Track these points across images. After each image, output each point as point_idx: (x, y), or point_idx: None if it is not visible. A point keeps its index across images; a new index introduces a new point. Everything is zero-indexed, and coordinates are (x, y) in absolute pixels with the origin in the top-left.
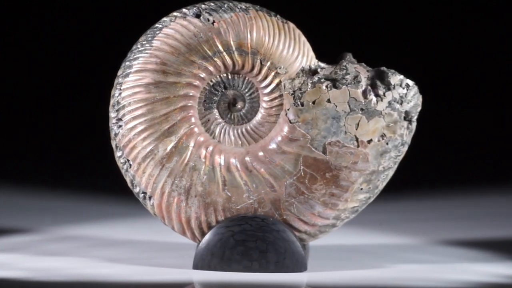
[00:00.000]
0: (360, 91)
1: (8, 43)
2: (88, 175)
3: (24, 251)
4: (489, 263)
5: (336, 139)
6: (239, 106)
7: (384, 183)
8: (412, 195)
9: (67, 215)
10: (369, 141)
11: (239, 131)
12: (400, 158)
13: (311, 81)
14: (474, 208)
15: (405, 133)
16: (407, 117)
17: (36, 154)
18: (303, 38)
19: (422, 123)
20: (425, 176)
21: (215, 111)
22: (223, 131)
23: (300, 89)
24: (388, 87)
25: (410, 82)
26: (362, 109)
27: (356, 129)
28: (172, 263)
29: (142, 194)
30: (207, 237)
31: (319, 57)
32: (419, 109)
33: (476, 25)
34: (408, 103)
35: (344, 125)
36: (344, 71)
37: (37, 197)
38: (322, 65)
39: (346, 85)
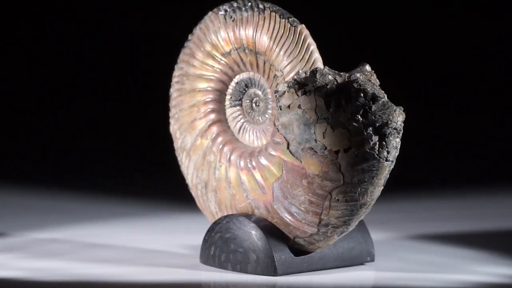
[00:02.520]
0: (323, 99)
1: (8, 42)
2: (88, 175)
3: (24, 251)
4: (488, 263)
5: (309, 146)
6: (260, 106)
7: (368, 198)
8: (412, 195)
9: (67, 215)
10: (337, 152)
11: (256, 131)
12: (379, 174)
13: (287, 85)
14: (474, 208)
15: (377, 148)
16: (378, 131)
17: (36, 154)
18: (308, 42)
19: (422, 123)
20: (425, 176)
21: (239, 108)
22: (243, 129)
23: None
24: (350, 98)
25: (381, 96)
26: (326, 118)
27: (324, 138)
28: (172, 263)
29: (188, 184)
30: (207, 231)
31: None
32: (394, 125)
33: (475, 26)
34: (374, 116)
35: (314, 132)
36: (313, 77)
37: (37, 197)
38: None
39: (314, 92)
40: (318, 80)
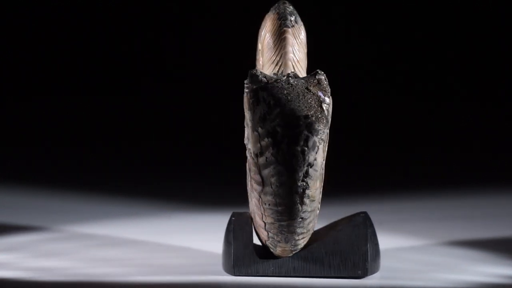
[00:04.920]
0: (247, 101)
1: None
2: (88, 174)
3: (24, 251)
4: (489, 263)
5: (249, 147)
6: None
7: (283, 206)
8: (412, 195)
9: (67, 215)
10: (256, 155)
11: None
12: (285, 181)
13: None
14: (473, 208)
15: (275, 154)
16: (275, 137)
17: (38, 153)
18: (284, 44)
19: (422, 121)
20: (425, 176)
21: None
22: None
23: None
24: (258, 102)
25: (277, 101)
26: (251, 120)
27: (249, 140)
28: (172, 264)
29: None
30: None
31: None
32: (289, 133)
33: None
34: (271, 122)
35: (248, 133)
36: (247, 79)
37: (38, 196)
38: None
39: (247, 94)
40: (250, 82)
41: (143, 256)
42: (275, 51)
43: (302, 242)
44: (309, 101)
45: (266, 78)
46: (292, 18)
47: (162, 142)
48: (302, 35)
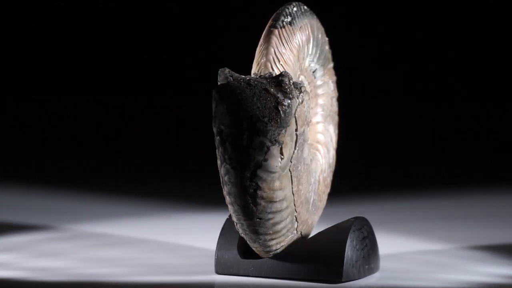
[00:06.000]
0: None
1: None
2: (88, 174)
3: (24, 251)
4: (489, 263)
5: None
6: None
7: (236, 205)
8: (412, 195)
9: (67, 215)
10: (216, 154)
11: None
12: (231, 179)
13: None
14: (473, 208)
15: (222, 152)
16: (221, 135)
17: (38, 153)
18: (267, 44)
19: (423, 121)
20: (425, 176)
21: None
22: None
23: None
24: (213, 100)
25: (224, 100)
26: None
27: None
28: (172, 264)
29: None
30: None
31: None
32: (229, 131)
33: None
34: (219, 120)
35: None
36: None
37: (38, 196)
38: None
39: None
40: (218, 80)
41: (143, 256)
42: (260, 51)
43: (275, 243)
44: (264, 102)
45: (232, 77)
46: (287, 19)
47: (162, 142)
48: (298, 37)
